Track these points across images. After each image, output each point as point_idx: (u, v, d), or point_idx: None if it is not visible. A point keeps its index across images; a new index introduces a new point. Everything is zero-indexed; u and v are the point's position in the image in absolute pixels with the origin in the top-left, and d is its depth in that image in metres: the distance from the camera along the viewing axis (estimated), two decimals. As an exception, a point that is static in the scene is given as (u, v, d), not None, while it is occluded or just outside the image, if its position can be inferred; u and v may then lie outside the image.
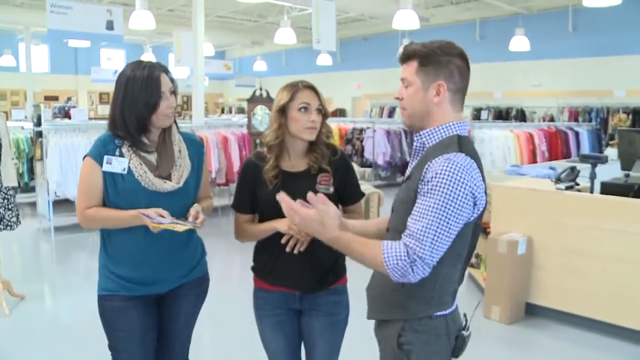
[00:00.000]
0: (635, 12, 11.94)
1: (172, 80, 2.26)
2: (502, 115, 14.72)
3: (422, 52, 1.77)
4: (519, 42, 12.86)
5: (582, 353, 3.99)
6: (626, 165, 4.37)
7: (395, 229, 1.79)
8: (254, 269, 2.37)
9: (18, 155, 8.15)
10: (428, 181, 1.66)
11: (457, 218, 1.65)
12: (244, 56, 23.09)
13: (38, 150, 7.63)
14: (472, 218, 1.71)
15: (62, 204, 7.69)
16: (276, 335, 2.32)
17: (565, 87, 13.69)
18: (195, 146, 2.42)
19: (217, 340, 4.28)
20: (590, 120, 13.09)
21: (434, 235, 1.63)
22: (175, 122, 2.35)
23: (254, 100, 7.41)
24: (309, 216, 1.77)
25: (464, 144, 1.73)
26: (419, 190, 1.70)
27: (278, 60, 21.43)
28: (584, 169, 4.77)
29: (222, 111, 22.23)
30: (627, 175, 4.26)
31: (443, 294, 1.80)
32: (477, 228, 1.79)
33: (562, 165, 5.86)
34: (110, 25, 8.61)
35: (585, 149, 11.54)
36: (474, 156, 1.72)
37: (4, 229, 4.56)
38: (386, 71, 17.29)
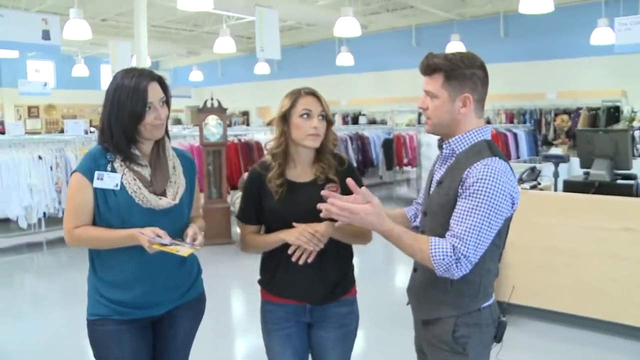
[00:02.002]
0: (562, 18, 12.49)
1: (165, 89, 2.14)
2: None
3: (447, 66, 1.85)
4: (455, 48, 13.21)
5: (555, 346, 4.10)
6: (585, 163, 4.53)
7: (430, 231, 1.89)
8: (260, 282, 2.31)
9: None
10: (470, 185, 1.77)
11: (497, 218, 1.79)
12: (179, 66, 22.65)
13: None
14: (509, 215, 1.86)
15: (2, 224, 7.27)
16: (285, 349, 2.25)
17: (500, 90, 14.13)
18: (188, 162, 2.32)
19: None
20: (524, 122, 13.57)
21: (478, 235, 1.76)
22: (168, 136, 2.24)
23: (205, 110, 7.24)
24: (365, 210, 1.80)
25: (494, 149, 1.86)
26: (459, 194, 1.80)
27: (214, 69, 21.17)
28: (540, 168, 4.94)
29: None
30: (587, 174, 4.43)
31: (487, 286, 1.94)
32: (510, 221, 1.93)
33: (516, 166, 6.02)
34: (46, 35, 8.21)
35: (524, 149, 11.93)
36: (505, 159, 1.85)
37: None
38: (324, 79, 17.39)
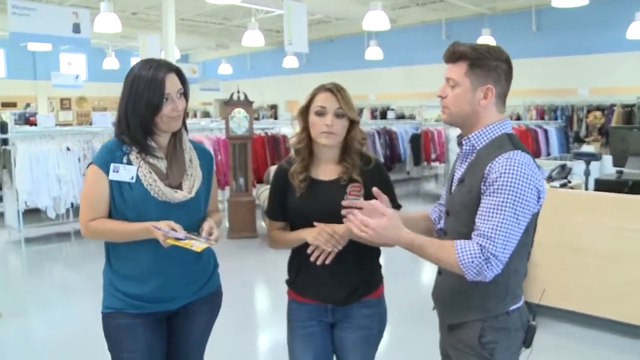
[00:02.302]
0: (597, 13, 12.20)
1: (183, 81, 2.11)
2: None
3: (472, 54, 1.79)
4: (486, 42, 12.94)
5: (584, 350, 3.98)
6: (618, 162, 4.40)
7: (454, 232, 1.83)
8: (287, 281, 2.29)
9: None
10: (493, 181, 1.70)
11: (524, 213, 1.71)
12: (208, 59, 22.78)
13: (1, 158, 7.30)
14: (536, 210, 1.77)
15: (32, 214, 7.38)
16: (306, 348, 2.22)
17: (531, 85, 13.89)
18: (205, 156, 2.29)
19: (230, 356, 4.10)
20: (555, 119, 13.30)
21: (506, 232, 1.68)
22: (185, 128, 2.22)
23: (231, 103, 7.23)
24: (381, 226, 1.71)
25: (515, 142, 1.78)
26: (482, 191, 1.73)
27: (243, 62, 21.21)
28: (571, 166, 4.80)
29: (187, 115, 21.83)
30: (620, 172, 4.29)
31: (515, 287, 1.85)
32: (537, 217, 1.84)
33: (545, 163, 5.88)
34: (76, 28, 8.31)
35: (554, 146, 11.69)
36: (528, 152, 1.77)
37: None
38: (353, 72, 17.32)
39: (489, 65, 1.78)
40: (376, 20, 10.67)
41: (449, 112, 1.86)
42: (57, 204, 6.95)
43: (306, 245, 2.08)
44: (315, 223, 2.04)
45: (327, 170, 2.16)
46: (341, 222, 1.98)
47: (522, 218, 1.70)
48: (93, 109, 19.75)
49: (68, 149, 7.00)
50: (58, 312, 5.00)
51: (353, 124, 2.12)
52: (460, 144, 1.90)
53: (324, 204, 2.07)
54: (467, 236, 1.75)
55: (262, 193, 7.23)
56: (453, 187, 1.92)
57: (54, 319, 4.83)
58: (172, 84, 2.05)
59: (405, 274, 5.69)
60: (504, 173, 1.68)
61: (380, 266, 2.27)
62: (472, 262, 1.66)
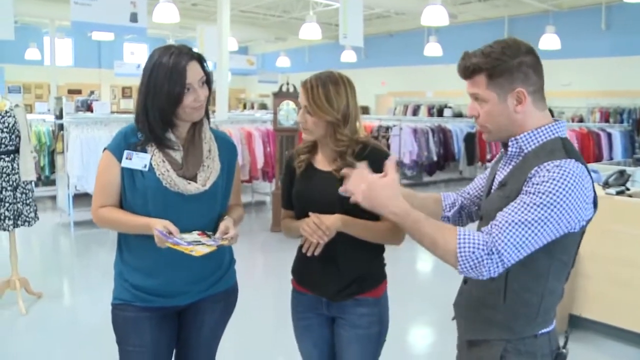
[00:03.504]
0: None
1: (205, 69, 2.01)
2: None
3: (487, 63, 1.58)
4: (549, 40, 12.43)
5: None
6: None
7: None
8: (291, 270, 2.26)
9: (39, 148, 8.04)
10: (535, 184, 1.49)
11: (553, 226, 1.48)
12: (267, 52, 22.88)
13: (59, 143, 7.51)
14: (577, 228, 1.55)
15: (82, 198, 7.52)
16: (304, 340, 2.22)
17: (596, 86, 13.30)
18: (228, 147, 2.18)
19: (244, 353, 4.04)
20: (621, 122, 12.68)
21: (522, 232, 1.46)
22: (208, 117, 2.12)
23: (280, 95, 7.18)
24: (379, 183, 1.54)
25: (570, 149, 1.57)
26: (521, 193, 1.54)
27: (301, 56, 21.19)
28: (631, 172, 4.50)
29: (244, 107, 22.08)
30: (684, 181, 3.99)
31: (548, 309, 1.65)
32: (582, 237, 1.64)
33: (604, 168, 5.56)
34: (134, 18, 8.42)
35: (618, 151, 11.16)
36: (583, 161, 1.55)
37: (21, 225, 4.41)
38: (411, 68, 17.04)
39: (510, 67, 1.57)
40: (435, 16, 10.36)
41: (488, 130, 1.67)
42: (105, 189, 7.07)
43: None
44: (310, 213, 1.98)
45: (325, 162, 2.10)
46: (332, 213, 1.95)
47: (548, 230, 1.47)
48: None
49: (118, 135, 7.11)
50: (101, 295, 5.03)
51: (333, 123, 2.02)
52: (505, 145, 1.69)
53: (319, 193, 2.04)
54: None
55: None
56: (492, 190, 1.73)
57: (97, 300, 4.90)
58: (193, 72, 1.95)
59: (426, 279, 5.49)
60: (549, 180, 1.47)
61: (382, 264, 2.17)
62: (473, 253, 1.45)
